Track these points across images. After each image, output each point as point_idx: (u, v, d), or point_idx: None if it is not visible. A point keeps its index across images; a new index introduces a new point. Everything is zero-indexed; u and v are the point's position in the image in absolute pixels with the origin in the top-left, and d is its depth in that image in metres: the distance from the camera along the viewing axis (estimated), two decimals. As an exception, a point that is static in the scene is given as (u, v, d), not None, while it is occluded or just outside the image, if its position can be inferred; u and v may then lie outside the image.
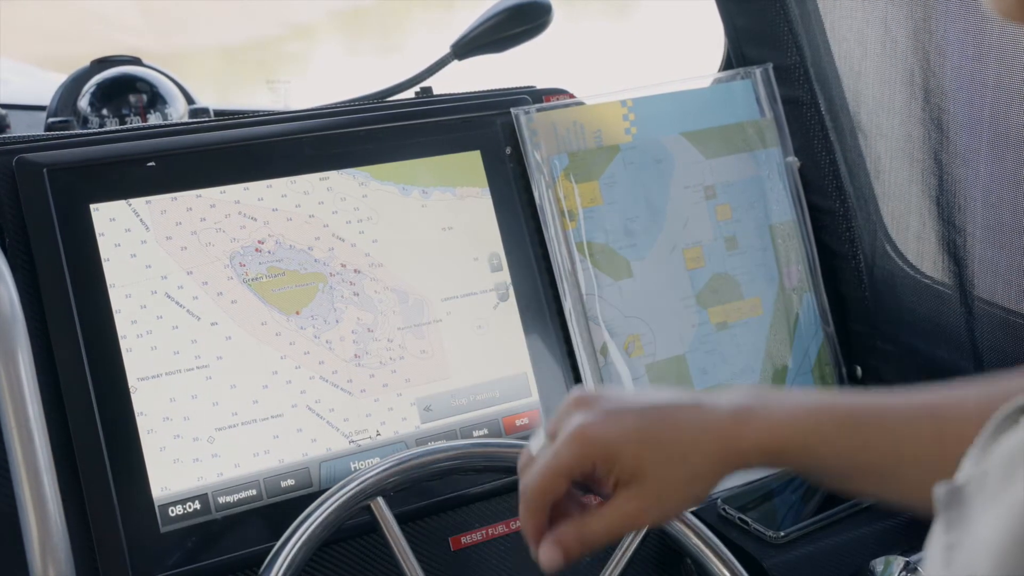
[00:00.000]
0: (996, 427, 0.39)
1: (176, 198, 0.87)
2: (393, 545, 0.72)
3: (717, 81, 1.11)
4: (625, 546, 0.76)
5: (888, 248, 1.05)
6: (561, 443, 0.59)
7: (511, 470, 0.80)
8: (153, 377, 0.83)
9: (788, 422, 0.57)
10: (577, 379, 0.97)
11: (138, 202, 0.85)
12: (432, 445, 0.77)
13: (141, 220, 0.85)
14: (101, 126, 1.14)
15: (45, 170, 0.83)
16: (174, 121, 1.09)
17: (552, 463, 0.59)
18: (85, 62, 1.26)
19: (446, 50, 1.10)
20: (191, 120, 0.95)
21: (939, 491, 0.39)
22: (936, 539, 0.38)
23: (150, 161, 0.87)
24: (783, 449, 0.57)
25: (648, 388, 0.96)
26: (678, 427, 0.58)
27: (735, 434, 0.58)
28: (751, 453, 0.58)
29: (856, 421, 0.57)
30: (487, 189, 0.98)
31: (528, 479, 0.60)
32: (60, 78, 1.28)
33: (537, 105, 1.01)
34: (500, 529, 0.92)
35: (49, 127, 1.08)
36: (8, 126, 1.19)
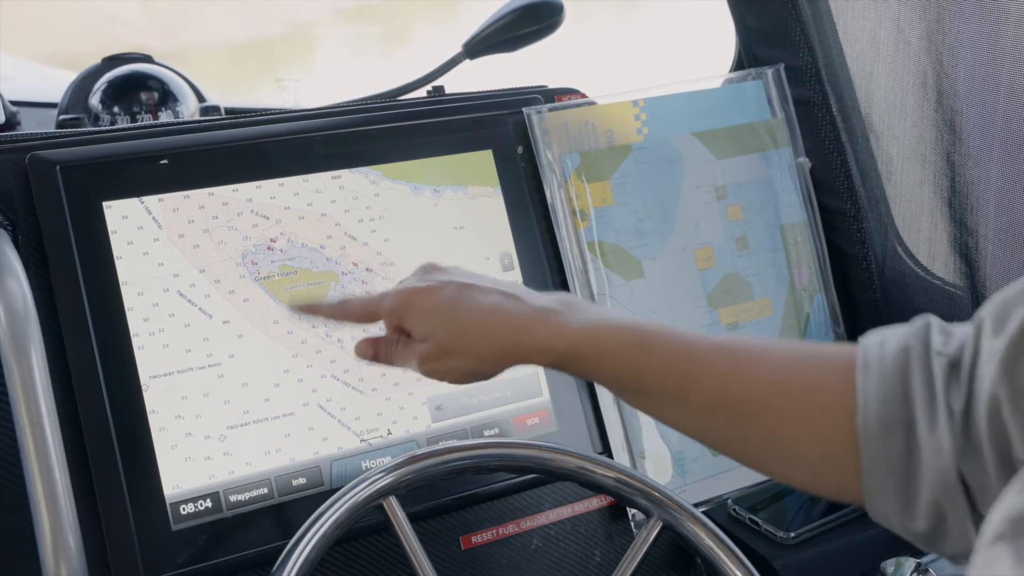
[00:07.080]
0: None
1: (188, 196, 0.87)
2: (405, 544, 0.72)
3: (728, 81, 1.11)
4: (637, 546, 0.76)
5: (899, 249, 1.05)
6: (389, 295, 0.67)
7: (523, 470, 0.80)
8: (165, 375, 0.83)
9: (580, 331, 0.61)
10: (587, 379, 0.97)
11: (150, 200, 0.85)
12: (444, 444, 0.77)
13: (153, 218, 0.85)
14: (112, 123, 1.14)
15: (58, 167, 0.83)
16: (186, 119, 1.09)
17: (371, 305, 0.68)
18: (90, 60, 1.25)
19: (453, 48, 1.10)
20: (204, 118, 0.95)
21: (997, 519, 0.37)
22: (1003, 571, 0.36)
23: (163, 159, 0.87)
24: (569, 356, 0.62)
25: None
26: (481, 309, 0.63)
27: (529, 330, 0.62)
28: (537, 352, 0.62)
29: (641, 346, 0.60)
30: (499, 188, 0.98)
31: (354, 303, 0.70)
32: (66, 75, 1.27)
33: (549, 105, 1.01)
34: (511, 529, 0.92)
35: (60, 124, 1.08)
36: (19, 123, 1.19)
